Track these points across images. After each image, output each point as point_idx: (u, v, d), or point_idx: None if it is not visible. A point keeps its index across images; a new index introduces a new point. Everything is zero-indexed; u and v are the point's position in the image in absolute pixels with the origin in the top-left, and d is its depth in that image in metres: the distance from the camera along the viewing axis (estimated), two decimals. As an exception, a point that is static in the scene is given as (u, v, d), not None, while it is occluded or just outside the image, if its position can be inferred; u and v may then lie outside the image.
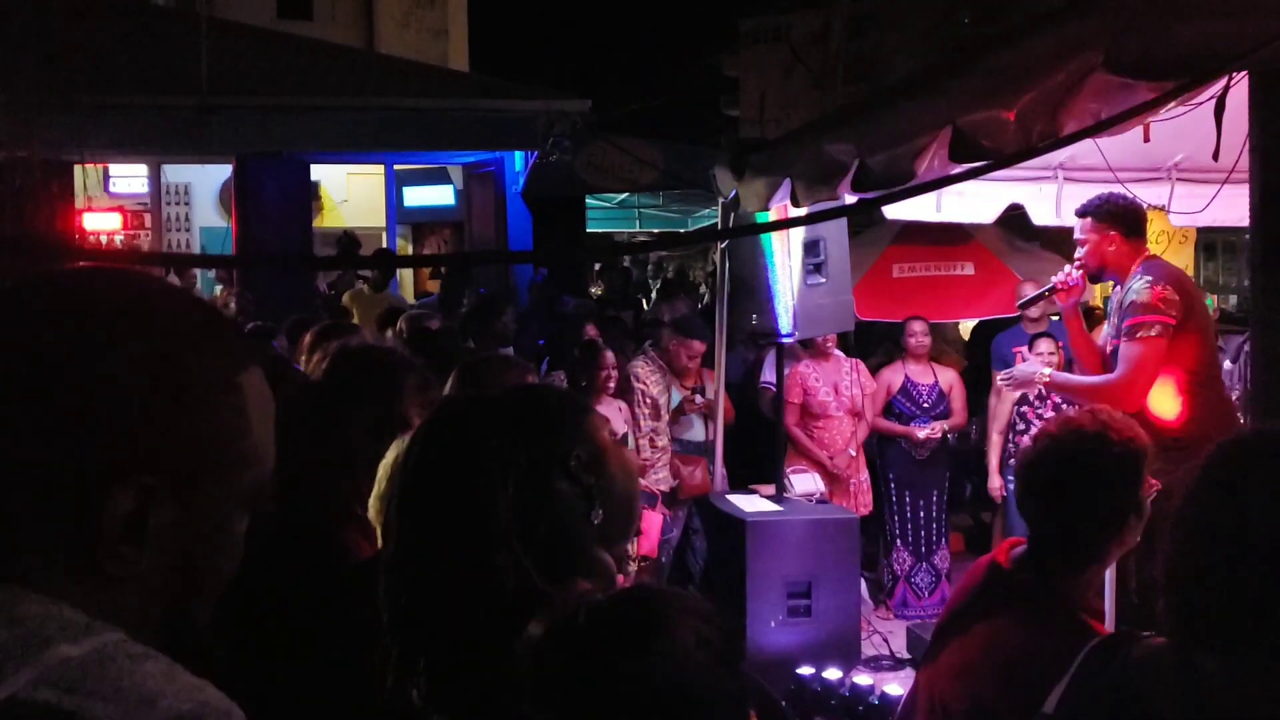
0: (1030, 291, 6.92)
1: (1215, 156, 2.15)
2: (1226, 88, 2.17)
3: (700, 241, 11.08)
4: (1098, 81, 2.24)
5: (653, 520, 5.58)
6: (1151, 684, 1.44)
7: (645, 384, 6.11)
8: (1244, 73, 2.08)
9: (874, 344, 8.18)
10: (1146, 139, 2.87)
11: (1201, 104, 2.25)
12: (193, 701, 0.80)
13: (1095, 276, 4.05)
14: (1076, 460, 2.04)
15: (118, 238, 13.53)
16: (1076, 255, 4.04)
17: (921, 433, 6.45)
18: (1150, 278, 3.64)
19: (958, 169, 2.74)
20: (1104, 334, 4.19)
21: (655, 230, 20.18)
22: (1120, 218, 3.83)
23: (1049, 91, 2.41)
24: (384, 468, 1.89)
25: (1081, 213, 3.99)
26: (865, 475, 6.53)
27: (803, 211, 5.26)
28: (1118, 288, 3.96)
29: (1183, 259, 8.37)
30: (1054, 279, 4.17)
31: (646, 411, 6.07)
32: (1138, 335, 3.59)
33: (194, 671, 0.84)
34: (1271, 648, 1.35)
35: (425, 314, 5.93)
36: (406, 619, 1.46)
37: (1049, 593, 2.02)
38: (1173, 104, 2.24)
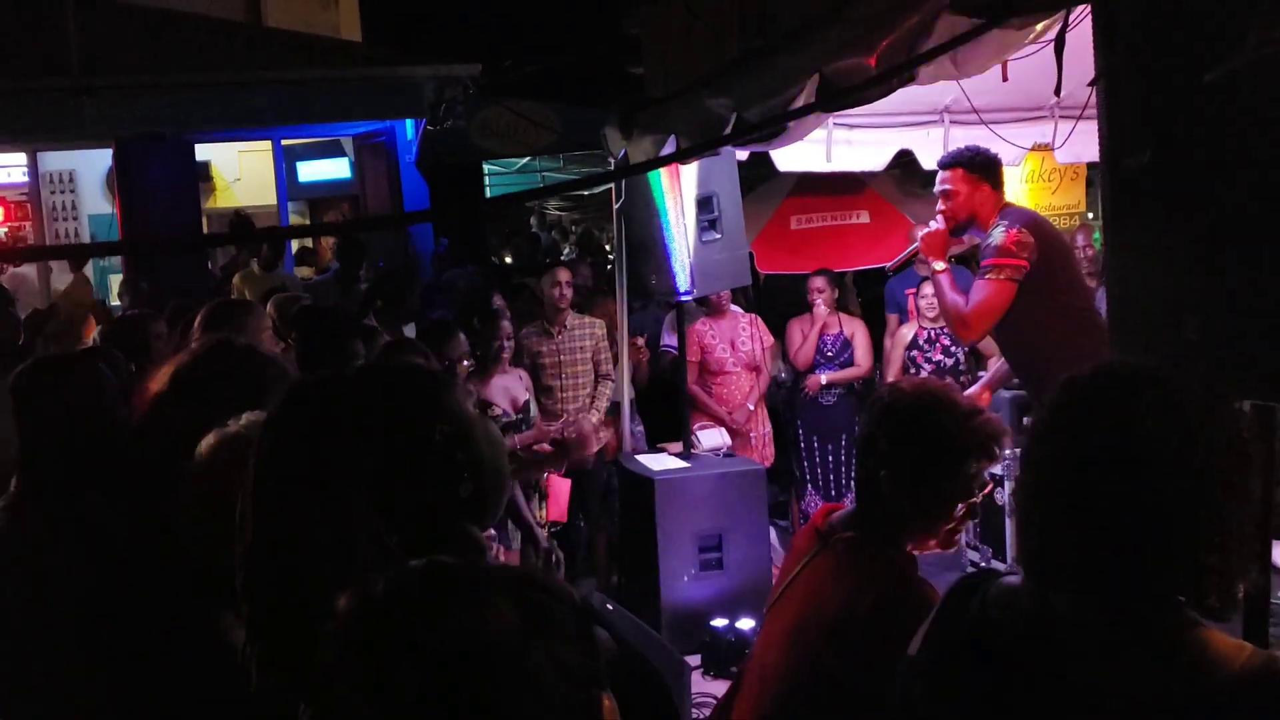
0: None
1: (1057, 91, 2.19)
2: (1065, 24, 2.21)
3: (592, 186, 10.99)
4: (946, 22, 2.27)
5: (561, 485, 5.57)
6: (1006, 621, 1.45)
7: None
8: (1087, 7, 2.11)
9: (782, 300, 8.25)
10: (1005, 78, 2.92)
11: (1050, 41, 2.29)
12: None
13: (960, 229, 3.96)
14: (883, 417, 2.10)
15: (0, 230, 13.01)
16: (940, 207, 3.95)
17: (822, 378, 6.58)
18: (1006, 222, 3.74)
19: (828, 117, 2.75)
20: None
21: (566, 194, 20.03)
22: (992, 169, 3.87)
23: (904, 35, 2.43)
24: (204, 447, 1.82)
25: (950, 163, 3.91)
26: (768, 428, 6.62)
27: (694, 166, 5.29)
28: (979, 236, 3.98)
29: (1074, 195, 8.58)
30: (916, 235, 4.14)
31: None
32: (987, 275, 3.69)
33: None
34: (1118, 585, 1.36)
35: (293, 296, 5.80)
36: (267, 612, 1.42)
37: (861, 547, 2.06)
38: (1028, 41, 2.29)
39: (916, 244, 4.09)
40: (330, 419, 1.45)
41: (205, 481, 1.72)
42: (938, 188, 3.94)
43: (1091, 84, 2.10)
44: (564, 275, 6.23)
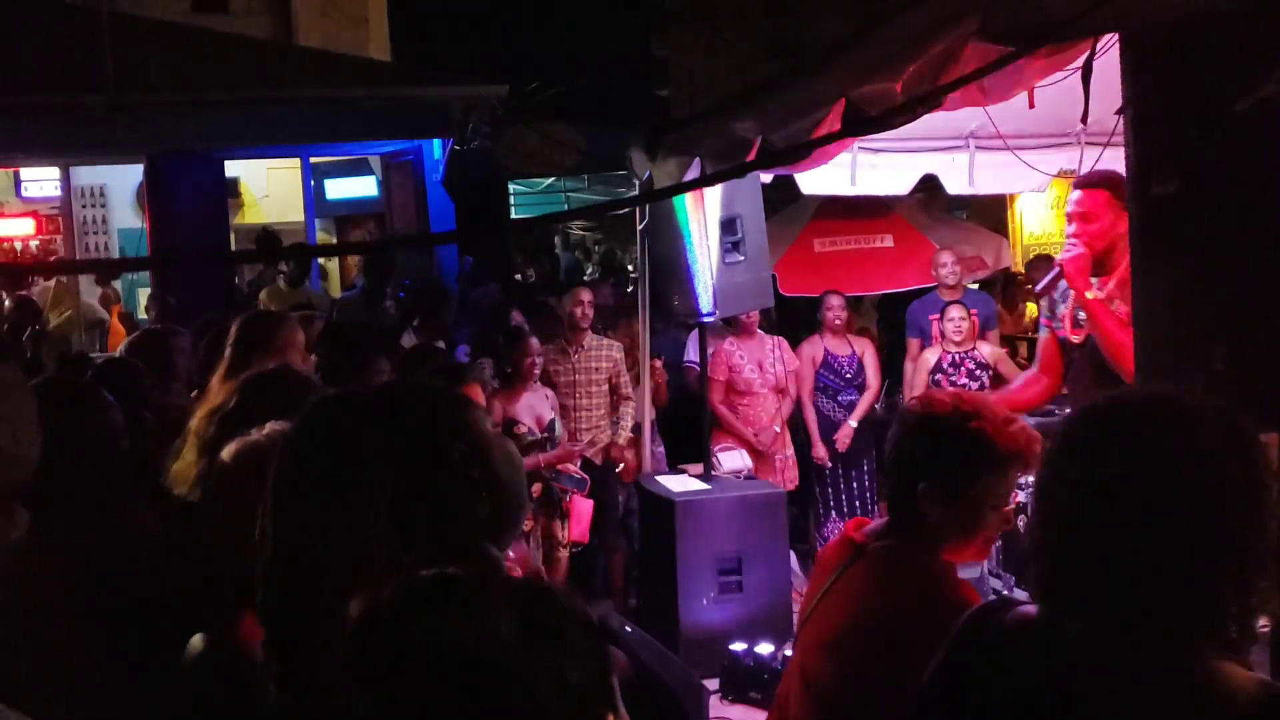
0: (948, 260, 7.03)
1: (1083, 120, 2.18)
2: (1092, 52, 2.20)
3: (617, 210, 11.02)
4: (975, 50, 2.26)
5: (584, 506, 5.57)
6: (1020, 650, 1.43)
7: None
8: (1115, 35, 2.11)
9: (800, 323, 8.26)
10: (1031, 105, 2.90)
11: (1078, 68, 2.28)
12: None
13: (1097, 263, 3.41)
14: (920, 429, 2.08)
15: (32, 243, 13.16)
16: (1073, 232, 3.45)
17: (851, 424, 6.57)
18: None
19: (853, 142, 2.74)
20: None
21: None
22: None
23: (931, 61, 2.43)
24: (192, 434, 1.84)
25: (1093, 184, 3.41)
26: (791, 450, 6.60)
27: (718, 188, 5.30)
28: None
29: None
30: (1058, 259, 3.56)
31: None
32: None
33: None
34: (1133, 616, 1.34)
35: (307, 315, 5.85)
36: (286, 628, 1.43)
37: (902, 554, 2.04)
38: (1052, 68, 2.28)
39: (1057, 270, 3.53)
40: (349, 437, 1.45)
41: (227, 489, 1.73)
42: (1071, 209, 3.47)
43: (1119, 112, 2.09)
44: (586, 295, 6.25)
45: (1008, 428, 2.05)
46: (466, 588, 1.02)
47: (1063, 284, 3.55)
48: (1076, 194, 3.44)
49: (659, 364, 6.47)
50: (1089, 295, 3.34)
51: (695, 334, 6.66)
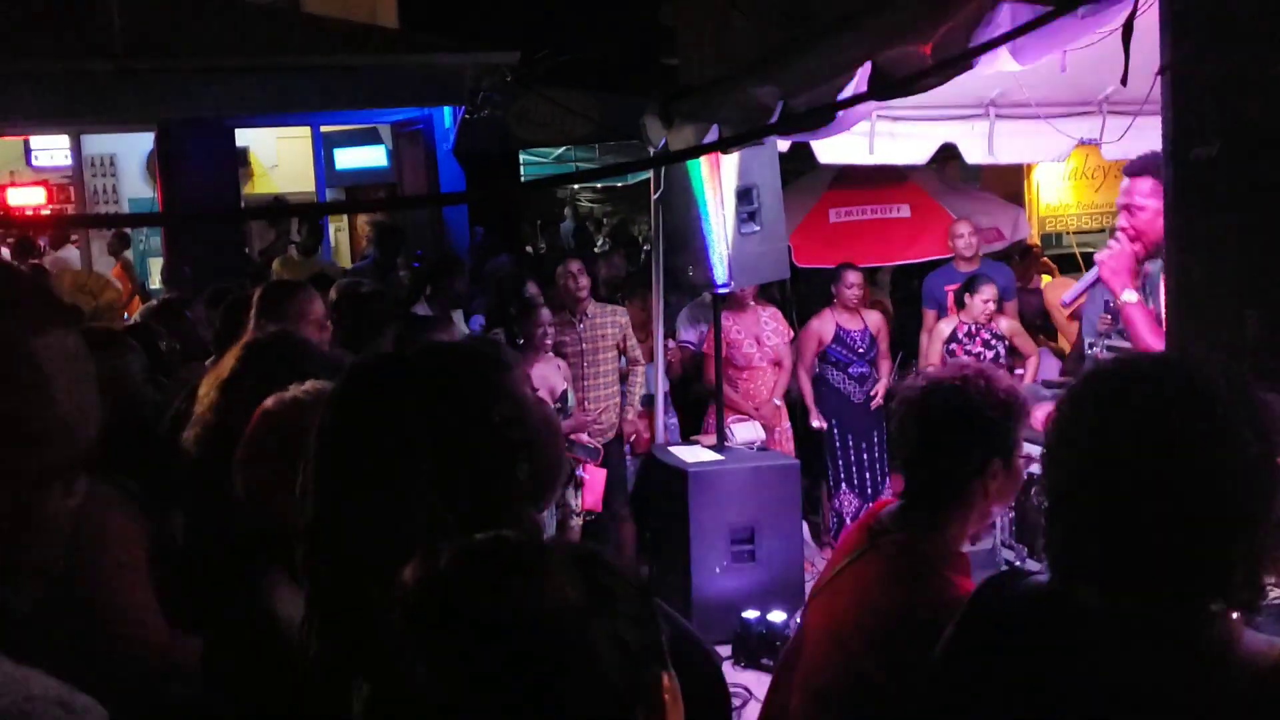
0: (965, 230, 6.99)
1: (1124, 81, 2.15)
2: (1134, 12, 2.17)
3: (631, 172, 10.96)
4: (1007, 10, 2.23)
5: (596, 475, 5.58)
6: (1032, 620, 1.43)
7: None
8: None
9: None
10: (1063, 69, 2.85)
11: (1114, 29, 2.24)
12: (11, 695, 0.74)
13: (1149, 254, 3.15)
14: (932, 405, 2.06)
15: (44, 213, 13.12)
16: (1123, 224, 3.20)
17: (816, 422, 6.60)
18: None
19: (876, 106, 2.70)
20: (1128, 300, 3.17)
21: (596, 186, 20.04)
22: None
23: (962, 23, 2.39)
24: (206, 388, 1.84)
25: (1140, 170, 3.15)
26: (788, 423, 6.58)
27: (734, 157, 5.27)
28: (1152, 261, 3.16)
29: (1118, 193, 8.48)
30: (1096, 256, 3.28)
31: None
32: None
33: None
34: (1145, 580, 1.33)
35: (358, 281, 5.85)
36: (328, 585, 1.43)
37: (913, 551, 2.02)
38: (1087, 28, 2.24)
39: (1094, 272, 3.26)
40: (391, 399, 1.45)
41: (263, 442, 1.73)
42: (1121, 200, 3.22)
43: (1159, 74, 2.06)
44: (575, 265, 6.14)
45: (1008, 387, 2.06)
46: (527, 552, 1.02)
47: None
48: (1125, 182, 3.20)
49: (672, 344, 6.46)
50: (1124, 298, 3.10)
51: (685, 311, 6.65)
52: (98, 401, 0.88)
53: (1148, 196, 3.06)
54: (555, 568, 0.99)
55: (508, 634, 0.94)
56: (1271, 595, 1.41)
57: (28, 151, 12.83)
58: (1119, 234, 3.18)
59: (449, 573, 1.00)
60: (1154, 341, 2.91)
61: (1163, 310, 2.66)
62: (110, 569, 1.99)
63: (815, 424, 6.64)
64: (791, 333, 6.62)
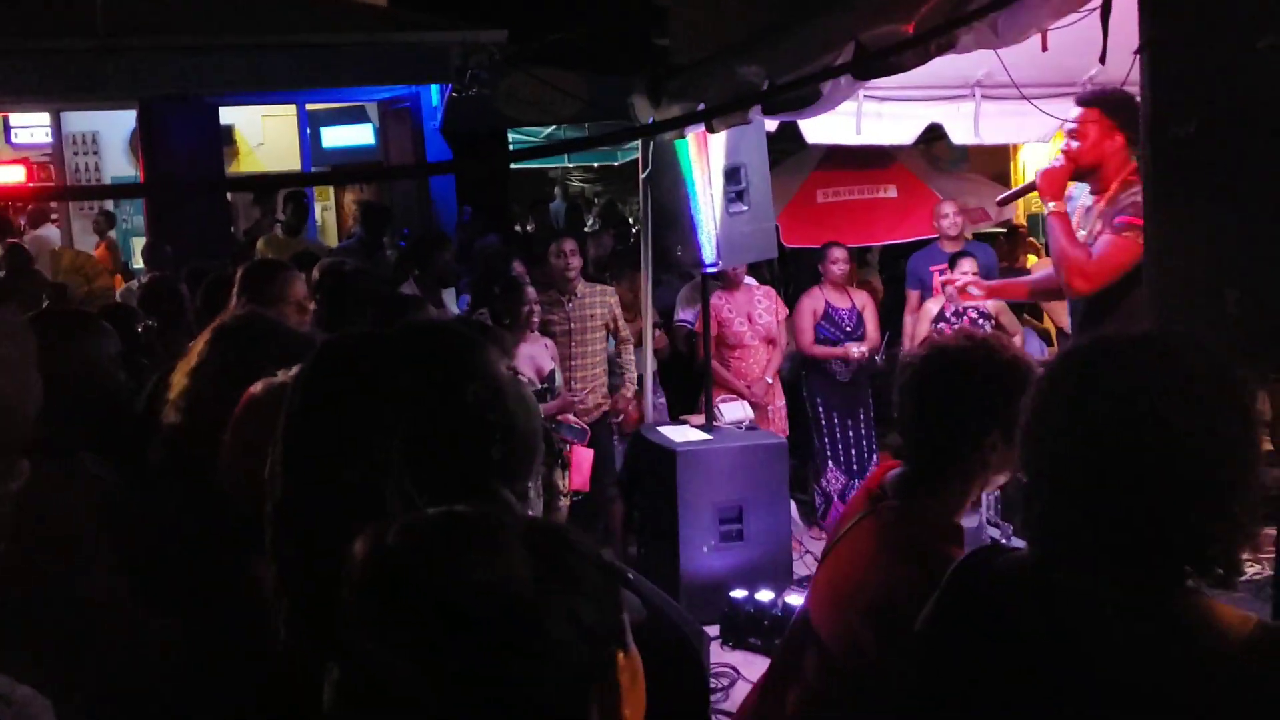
0: (950, 211, 7.00)
1: (1102, 60, 2.14)
2: (1113, -10, 2.16)
3: (620, 141, 10.88)
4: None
5: (584, 455, 5.58)
6: (1011, 597, 1.43)
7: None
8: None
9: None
10: (1045, 48, 2.84)
11: (1094, 8, 2.24)
12: None
13: (1081, 175, 3.57)
14: (930, 372, 2.04)
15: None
16: (1063, 146, 3.59)
17: (855, 350, 6.54)
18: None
19: (862, 85, 2.70)
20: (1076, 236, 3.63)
21: (591, 165, 19.94)
22: (1131, 119, 3.25)
23: (944, 3, 2.38)
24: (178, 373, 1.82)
25: (1088, 101, 3.53)
26: (782, 401, 6.59)
27: (721, 137, 5.25)
28: (1085, 196, 3.65)
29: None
30: (1036, 170, 3.69)
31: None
32: (1125, 233, 3.30)
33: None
34: (1123, 556, 1.34)
35: (341, 260, 5.82)
36: (296, 569, 1.42)
37: (909, 519, 2.01)
38: (1068, 7, 2.23)
39: (1033, 179, 3.69)
40: (362, 377, 1.44)
41: (249, 429, 1.72)
42: (1066, 126, 3.61)
43: (1137, 51, 2.06)
44: (568, 244, 6.13)
45: (1015, 353, 2.04)
46: (478, 526, 1.00)
47: (1081, 205, 3.66)
48: (1075, 110, 3.56)
49: (660, 333, 6.46)
50: (1051, 206, 3.52)
51: (684, 291, 6.65)
52: (39, 380, 0.85)
53: (1089, 124, 3.46)
54: (508, 544, 0.98)
55: (455, 608, 0.93)
56: (1249, 571, 1.42)
57: (7, 129, 12.71)
58: (1060, 153, 3.56)
59: (397, 546, 0.99)
60: (1072, 248, 3.40)
61: (1113, 219, 3.28)
62: (58, 553, 1.97)
63: (855, 352, 6.56)
64: (786, 311, 6.63)
